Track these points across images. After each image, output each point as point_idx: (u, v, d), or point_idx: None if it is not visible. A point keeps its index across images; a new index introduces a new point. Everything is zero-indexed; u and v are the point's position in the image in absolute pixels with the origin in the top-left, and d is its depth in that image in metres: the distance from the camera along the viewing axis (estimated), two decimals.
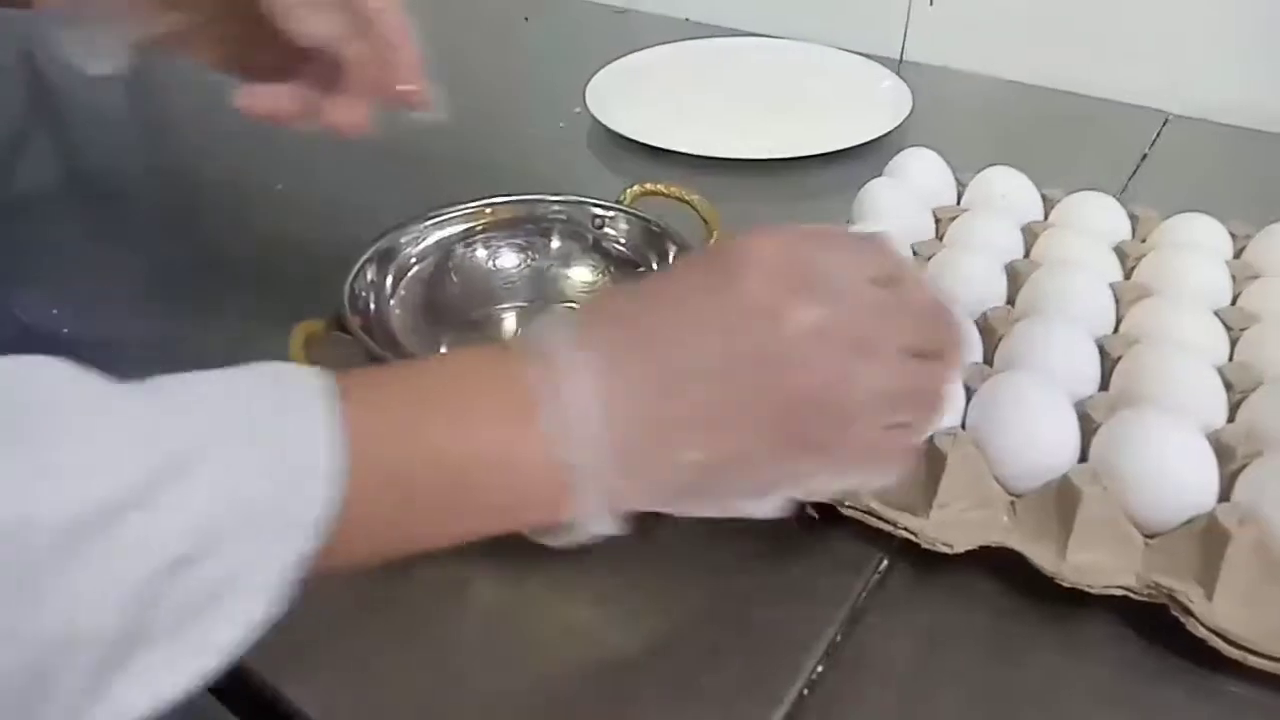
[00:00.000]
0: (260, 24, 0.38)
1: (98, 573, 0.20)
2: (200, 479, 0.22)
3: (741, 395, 0.27)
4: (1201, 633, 0.32)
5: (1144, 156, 0.66)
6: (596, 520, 0.27)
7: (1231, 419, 0.37)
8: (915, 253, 0.46)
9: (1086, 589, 0.33)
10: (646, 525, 0.29)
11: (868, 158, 0.62)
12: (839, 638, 0.34)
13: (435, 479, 0.26)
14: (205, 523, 0.22)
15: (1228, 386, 0.37)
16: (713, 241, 0.30)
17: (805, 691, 0.32)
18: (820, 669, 0.33)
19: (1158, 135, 0.69)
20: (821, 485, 0.30)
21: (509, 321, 0.48)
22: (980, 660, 0.33)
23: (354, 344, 0.40)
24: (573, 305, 0.28)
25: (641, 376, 0.27)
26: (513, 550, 0.30)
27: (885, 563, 0.37)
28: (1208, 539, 0.32)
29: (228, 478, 0.22)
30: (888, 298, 0.29)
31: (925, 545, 0.35)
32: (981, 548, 0.35)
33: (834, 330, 0.27)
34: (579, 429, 0.26)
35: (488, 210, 0.48)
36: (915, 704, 0.32)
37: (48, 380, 0.22)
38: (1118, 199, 0.50)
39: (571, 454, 0.26)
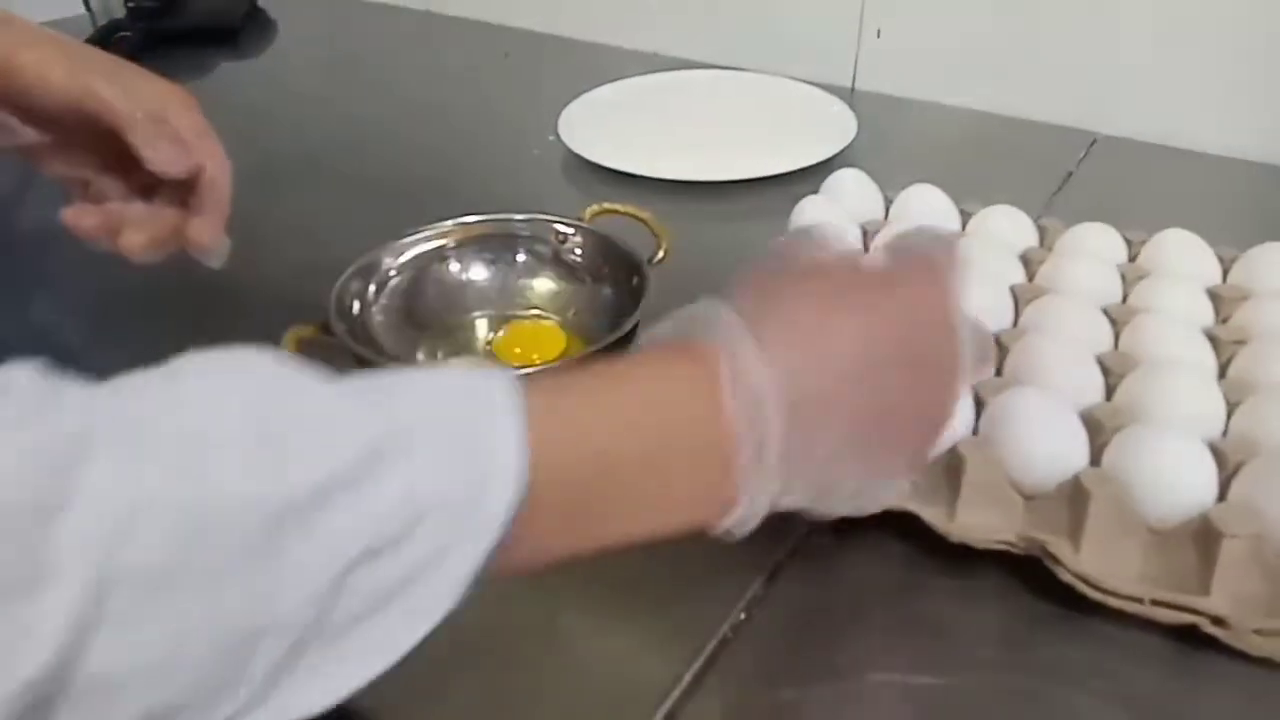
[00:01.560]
0: (120, 157, 0.41)
1: (300, 558, 0.21)
2: (399, 469, 0.22)
3: (893, 406, 0.30)
4: (1068, 579, 0.37)
5: (1069, 175, 0.72)
6: (754, 518, 0.29)
7: (1108, 399, 0.42)
8: None
9: (972, 544, 0.38)
10: None
11: (812, 180, 0.67)
12: (761, 590, 0.39)
13: (617, 468, 0.27)
14: (401, 511, 0.22)
15: (1106, 372, 0.43)
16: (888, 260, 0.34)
17: (729, 634, 0.37)
18: (743, 616, 0.38)
19: (1084, 155, 0.75)
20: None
21: (480, 327, 0.53)
22: (885, 608, 0.38)
23: (340, 347, 0.45)
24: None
25: (812, 379, 0.29)
26: None
27: (807, 529, 0.42)
28: (1075, 498, 0.37)
29: (424, 471, 0.23)
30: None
31: None
32: (890, 514, 0.40)
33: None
34: (761, 423, 0.27)
35: (461, 228, 0.54)
36: (825, 643, 0.37)
37: (262, 369, 0.23)
38: (1032, 213, 0.55)
39: (752, 447, 0.27)
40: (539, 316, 0.53)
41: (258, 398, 0.22)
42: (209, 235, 0.42)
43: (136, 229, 0.41)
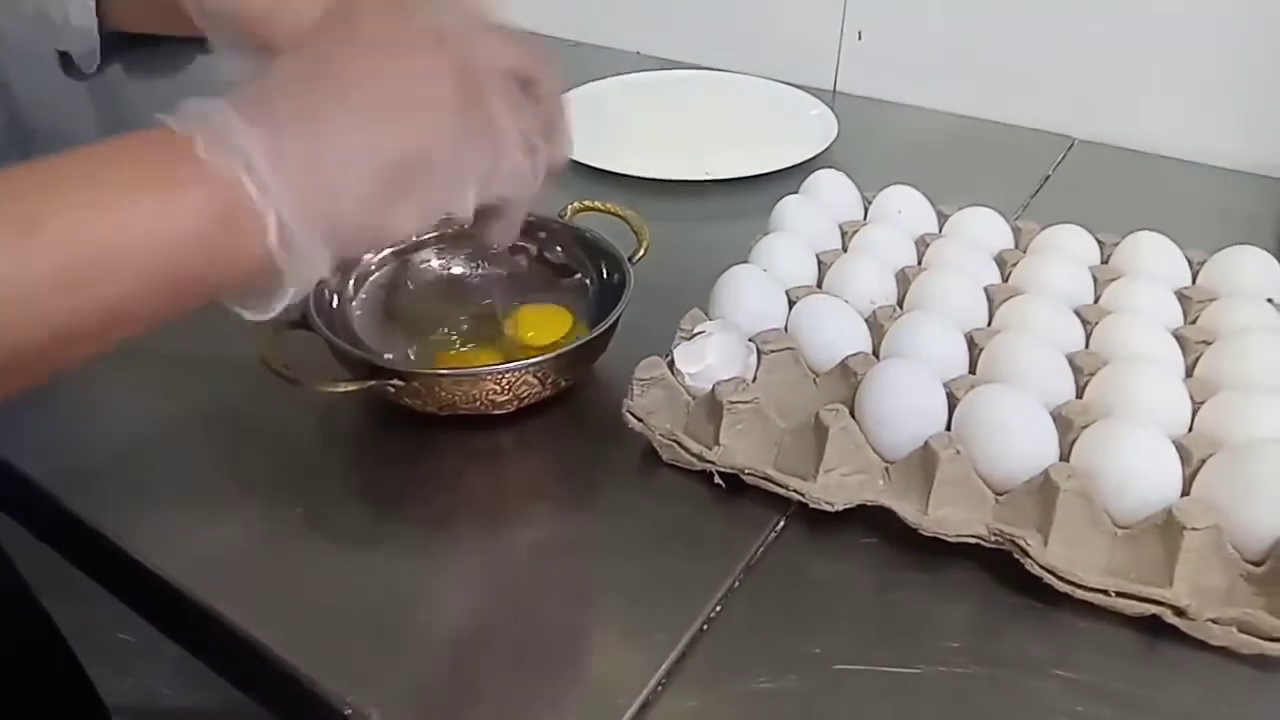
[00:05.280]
0: None
1: None
2: None
3: (410, 93, 0.31)
4: (1037, 571, 0.37)
5: (1047, 178, 0.73)
6: (302, 261, 0.29)
7: (1079, 397, 0.43)
8: (820, 261, 0.52)
9: (944, 537, 0.39)
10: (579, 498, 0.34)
11: (793, 180, 0.68)
12: (737, 584, 0.39)
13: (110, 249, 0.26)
14: None
15: (1077, 370, 0.44)
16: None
17: (704, 626, 0.38)
18: (719, 608, 0.38)
19: (1062, 158, 0.76)
20: (495, 182, 0.34)
21: (460, 322, 0.53)
22: (859, 600, 0.39)
23: (318, 340, 0.46)
24: None
25: (305, 92, 0.29)
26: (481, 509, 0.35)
27: (782, 523, 0.42)
28: (1044, 493, 0.38)
29: None
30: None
31: (811, 505, 0.40)
32: (863, 508, 0.41)
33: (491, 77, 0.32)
34: (247, 157, 0.27)
35: (441, 224, 0.54)
36: (800, 635, 0.37)
37: None
38: (1009, 215, 0.56)
39: (249, 183, 0.27)
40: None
41: None
42: None
43: None
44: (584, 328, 0.51)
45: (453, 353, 0.51)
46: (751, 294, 0.48)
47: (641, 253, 0.52)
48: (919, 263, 0.53)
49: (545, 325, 0.51)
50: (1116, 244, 0.54)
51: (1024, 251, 0.54)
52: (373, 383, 0.44)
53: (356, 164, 0.30)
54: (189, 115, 0.28)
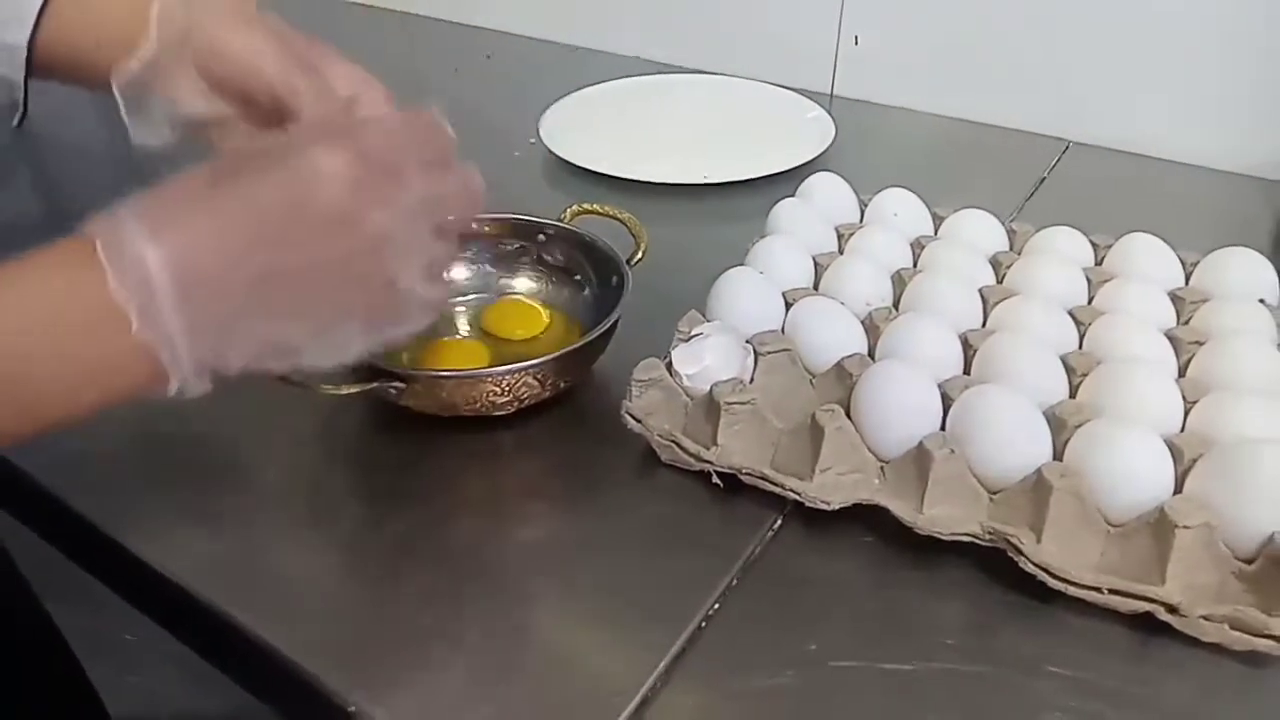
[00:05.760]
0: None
1: None
2: None
3: (306, 267, 0.31)
4: (1030, 568, 0.38)
5: (1042, 180, 0.74)
6: (194, 377, 0.31)
7: (1072, 396, 0.43)
8: (817, 263, 0.52)
9: (938, 535, 0.39)
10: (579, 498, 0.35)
11: (790, 183, 0.68)
12: (734, 582, 0.40)
13: (16, 364, 0.29)
14: None
15: (1070, 371, 0.44)
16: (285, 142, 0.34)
17: (703, 624, 0.38)
18: (717, 606, 0.39)
19: (1057, 161, 0.77)
20: (381, 335, 0.35)
21: (460, 325, 0.54)
22: (855, 598, 0.40)
23: None
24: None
25: (210, 247, 0.30)
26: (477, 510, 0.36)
27: (779, 521, 0.43)
28: (1038, 492, 0.38)
29: None
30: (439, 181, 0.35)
31: (808, 504, 0.41)
32: (859, 508, 0.41)
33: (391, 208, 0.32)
34: (149, 299, 0.29)
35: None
36: (797, 632, 0.38)
37: None
38: (1004, 217, 0.57)
39: (147, 326, 0.29)
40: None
41: None
42: None
43: None
44: (581, 329, 0.51)
45: (447, 340, 0.52)
46: (749, 296, 0.48)
47: (640, 255, 0.52)
48: (914, 265, 0.53)
49: (514, 320, 0.53)
50: (1110, 246, 0.54)
51: (1018, 253, 0.54)
52: (375, 385, 0.44)
53: (252, 297, 0.31)
54: (100, 223, 0.30)
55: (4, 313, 0.29)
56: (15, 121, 0.46)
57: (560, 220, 0.55)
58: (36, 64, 0.43)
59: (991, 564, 0.40)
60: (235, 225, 0.31)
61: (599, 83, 0.87)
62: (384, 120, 0.38)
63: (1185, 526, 0.36)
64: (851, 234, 0.55)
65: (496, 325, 0.53)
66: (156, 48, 0.40)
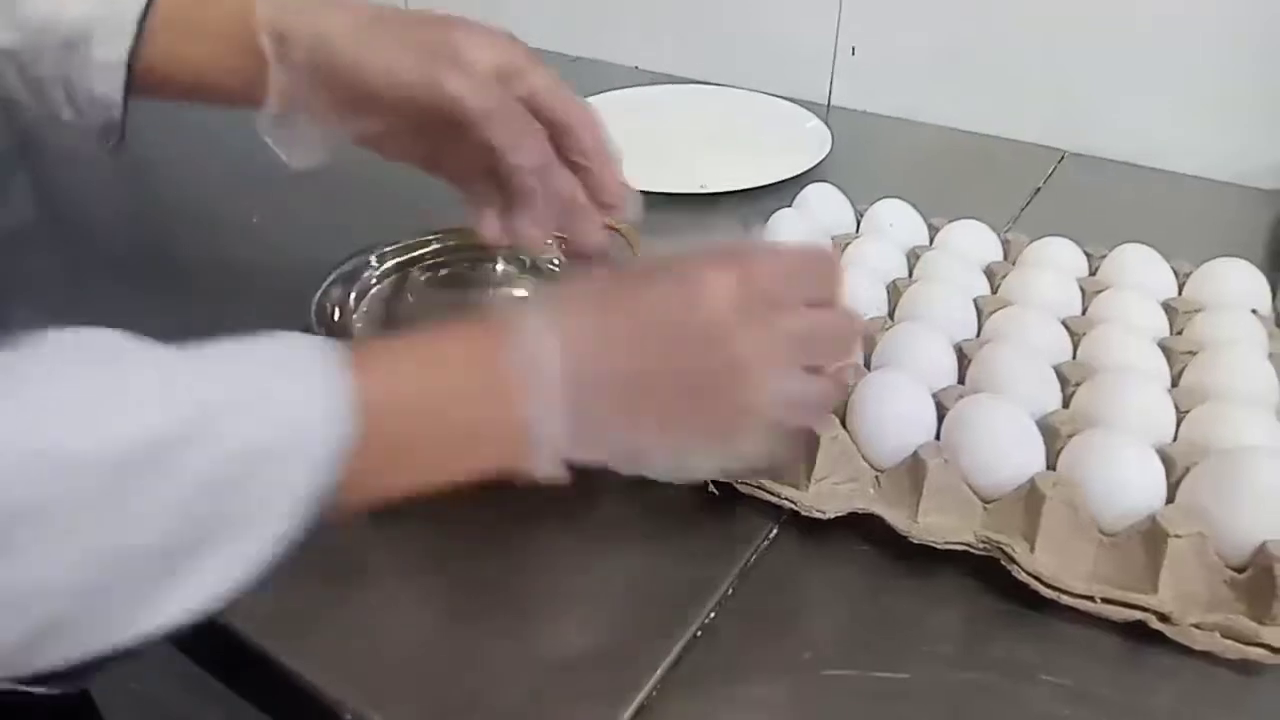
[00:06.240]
0: (453, 132, 0.39)
1: (144, 502, 0.25)
2: (226, 423, 0.27)
3: (670, 375, 0.33)
4: (1023, 577, 0.38)
5: (1037, 190, 0.74)
6: (547, 467, 0.33)
7: (1065, 406, 0.44)
8: None
9: (933, 544, 0.40)
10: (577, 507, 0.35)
11: (788, 193, 0.69)
12: (730, 591, 0.40)
13: (414, 421, 0.31)
14: (236, 455, 0.27)
15: (1064, 381, 0.44)
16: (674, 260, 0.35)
17: (698, 633, 0.38)
18: (713, 615, 0.39)
19: (1053, 171, 0.77)
20: (742, 451, 0.35)
21: None
22: (849, 607, 0.40)
23: None
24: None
25: (597, 344, 0.33)
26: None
27: (775, 531, 0.43)
28: (1031, 501, 0.39)
29: (248, 423, 0.27)
30: (816, 318, 0.36)
31: (804, 512, 0.41)
32: (854, 516, 0.42)
33: (772, 346, 0.34)
34: (537, 379, 0.31)
35: (441, 237, 0.55)
36: (791, 641, 0.38)
37: (97, 339, 0.27)
38: (1000, 227, 0.57)
39: (530, 403, 0.31)
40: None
41: (100, 364, 0.26)
42: (619, 190, 0.42)
43: (539, 220, 0.42)
44: None
45: None
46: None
47: (678, 263, 0.53)
48: (910, 275, 0.54)
49: None
50: (1104, 256, 0.54)
51: (1013, 264, 0.54)
52: None
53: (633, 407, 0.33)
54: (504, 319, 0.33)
55: (408, 375, 0.32)
56: (111, 143, 0.43)
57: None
58: (137, 83, 0.41)
59: (985, 573, 0.40)
60: (621, 327, 0.33)
61: (598, 92, 0.87)
62: (780, 252, 0.38)
63: (1177, 535, 0.36)
64: (847, 244, 0.55)
65: None
66: (285, 76, 0.39)
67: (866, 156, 0.80)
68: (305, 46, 0.39)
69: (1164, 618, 0.36)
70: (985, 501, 0.40)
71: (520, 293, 0.56)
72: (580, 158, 0.41)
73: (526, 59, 0.41)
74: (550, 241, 0.44)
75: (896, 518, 0.40)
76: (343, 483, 0.29)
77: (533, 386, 0.32)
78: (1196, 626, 0.36)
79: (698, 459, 0.36)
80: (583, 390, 0.32)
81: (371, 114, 0.40)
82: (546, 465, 0.33)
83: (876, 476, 0.42)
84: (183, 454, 0.26)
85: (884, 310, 0.51)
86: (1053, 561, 0.38)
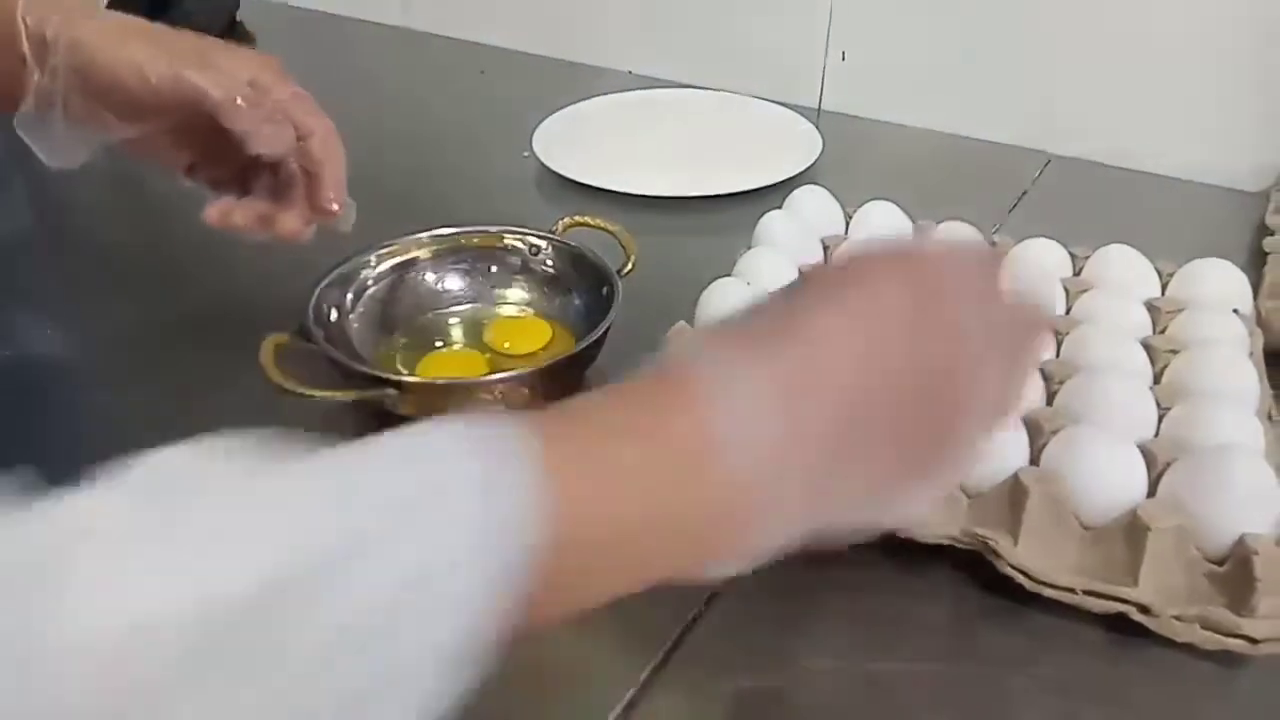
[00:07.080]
0: (218, 137, 0.41)
1: (297, 652, 0.20)
2: (419, 532, 0.22)
3: (907, 390, 0.28)
4: (1007, 571, 0.39)
5: (1024, 193, 0.75)
6: (770, 544, 0.28)
7: (1049, 404, 0.45)
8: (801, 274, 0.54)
9: (920, 539, 0.40)
10: None
11: (778, 196, 0.70)
12: (720, 586, 0.41)
13: (627, 520, 0.26)
14: (419, 575, 0.22)
15: (1048, 378, 0.45)
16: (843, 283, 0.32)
17: (687, 629, 0.39)
18: (702, 610, 0.40)
19: (1039, 174, 0.78)
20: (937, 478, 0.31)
21: (455, 335, 0.55)
22: (837, 602, 0.40)
23: (317, 353, 0.47)
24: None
25: (808, 386, 0.28)
26: None
27: None
28: (1015, 496, 0.40)
29: (437, 538, 0.22)
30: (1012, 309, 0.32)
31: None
32: None
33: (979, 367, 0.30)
34: (760, 452, 0.26)
35: (437, 239, 0.56)
36: (781, 634, 0.39)
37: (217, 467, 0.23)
38: (987, 229, 0.58)
39: (755, 475, 0.26)
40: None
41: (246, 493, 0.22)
42: (337, 198, 0.43)
43: (287, 213, 0.43)
44: (572, 339, 0.52)
45: (445, 351, 0.53)
46: (735, 307, 0.49)
47: (629, 267, 0.54)
48: None
49: (521, 335, 0.54)
50: (1088, 257, 0.55)
51: None
52: (370, 393, 0.45)
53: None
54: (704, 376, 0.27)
55: (617, 479, 0.25)
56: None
57: (553, 232, 0.56)
58: None
59: (970, 566, 0.41)
60: (830, 349, 0.29)
61: (592, 97, 0.88)
62: (951, 247, 0.35)
63: (1158, 529, 0.37)
64: (837, 246, 0.56)
65: (504, 339, 0.54)
66: (43, 78, 0.40)
67: (856, 160, 0.81)
68: (64, 49, 0.40)
69: (1145, 610, 0.37)
70: (970, 496, 0.41)
71: (519, 294, 0.56)
72: (309, 164, 0.43)
73: (277, 75, 0.42)
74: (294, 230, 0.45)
75: None
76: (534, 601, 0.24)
77: (752, 453, 0.26)
78: (1177, 618, 0.37)
79: (897, 491, 0.30)
80: (807, 442, 0.27)
81: (128, 116, 0.41)
82: (769, 545, 0.28)
83: None
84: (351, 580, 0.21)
85: None
86: (1036, 555, 0.39)
